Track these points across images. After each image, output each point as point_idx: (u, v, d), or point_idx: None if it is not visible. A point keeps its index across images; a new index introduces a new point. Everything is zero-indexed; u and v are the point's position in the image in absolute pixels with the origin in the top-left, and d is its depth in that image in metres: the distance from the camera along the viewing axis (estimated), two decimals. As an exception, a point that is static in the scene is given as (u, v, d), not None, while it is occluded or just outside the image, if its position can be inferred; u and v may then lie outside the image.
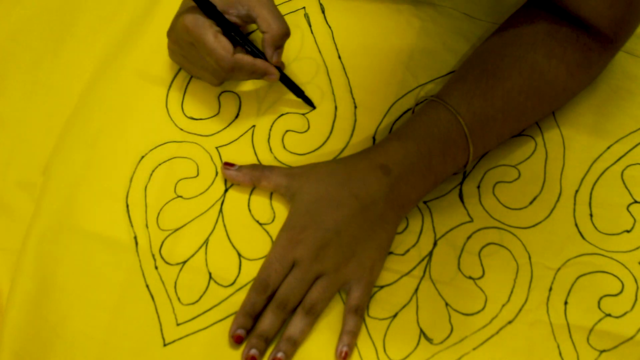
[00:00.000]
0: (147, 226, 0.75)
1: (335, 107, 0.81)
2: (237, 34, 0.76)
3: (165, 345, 0.70)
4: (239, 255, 0.74)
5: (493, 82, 0.75)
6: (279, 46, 0.76)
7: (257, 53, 0.76)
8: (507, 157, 0.79)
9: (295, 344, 0.70)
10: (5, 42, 0.85)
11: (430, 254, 0.75)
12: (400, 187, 0.73)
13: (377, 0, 0.85)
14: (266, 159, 0.78)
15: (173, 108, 0.80)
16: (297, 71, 0.82)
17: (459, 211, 0.76)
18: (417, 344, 0.71)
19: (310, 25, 0.85)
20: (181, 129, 0.79)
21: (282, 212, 0.75)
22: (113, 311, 0.71)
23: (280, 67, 0.77)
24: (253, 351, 0.69)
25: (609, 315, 0.72)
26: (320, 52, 0.83)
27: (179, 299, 0.72)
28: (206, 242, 0.74)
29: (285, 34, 0.75)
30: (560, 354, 0.71)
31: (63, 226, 0.74)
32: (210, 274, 0.73)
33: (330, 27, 0.85)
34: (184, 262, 0.73)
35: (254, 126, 0.80)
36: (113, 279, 0.72)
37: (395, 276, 0.74)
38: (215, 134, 0.79)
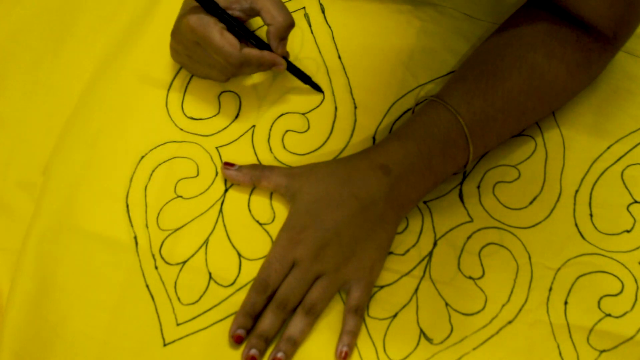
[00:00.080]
0: (147, 226, 0.75)
1: (335, 107, 0.81)
2: (241, 28, 0.76)
3: (165, 345, 0.70)
4: (239, 255, 0.74)
5: (493, 82, 0.75)
6: (283, 37, 0.76)
7: (263, 45, 0.77)
8: (507, 157, 0.79)
9: (295, 344, 0.70)
10: (5, 42, 0.85)
11: (430, 254, 0.75)
12: (400, 187, 0.73)
13: (377, 0, 0.85)
14: (266, 159, 0.78)
15: (173, 108, 0.80)
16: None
17: (459, 211, 0.76)
18: (417, 344, 0.71)
19: (310, 25, 0.85)
20: (181, 129, 0.79)
21: (282, 212, 0.75)
22: (113, 311, 0.71)
23: (286, 57, 0.78)
24: (253, 351, 0.69)
25: (609, 315, 0.72)
26: (320, 52, 0.83)
27: (179, 299, 0.72)
28: (206, 242, 0.74)
29: (290, 25, 0.75)
30: (560, 354, 0.71)
31: (63, 226, 0.74)
32: (210, 274, 0.73)
33: (330, 27, 0.85)
34: (184, 262, 0.73)
35: (254, 126, 0.80)
36: (113, 279, 0.72)
37: (395, 276, 0.74)
38: (215, 134, 0.79)
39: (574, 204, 0.77)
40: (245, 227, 0.75)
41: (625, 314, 0.72)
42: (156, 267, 0.73)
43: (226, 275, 0.73)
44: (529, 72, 0.75)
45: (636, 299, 0.73)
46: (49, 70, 0.83)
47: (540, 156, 0.79)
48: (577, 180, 0.78)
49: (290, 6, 0.85)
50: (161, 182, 0.77)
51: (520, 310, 0.72)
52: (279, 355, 0.69)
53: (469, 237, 0.75)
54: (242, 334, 0.70)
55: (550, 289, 0.73)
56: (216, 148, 0.78)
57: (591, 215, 0.76)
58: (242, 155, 0.78)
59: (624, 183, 0.78)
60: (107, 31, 0.85)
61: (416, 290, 0.73)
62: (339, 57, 0.83)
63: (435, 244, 0.75)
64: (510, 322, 0.72)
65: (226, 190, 0.77)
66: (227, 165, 0.77)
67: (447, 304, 0.73)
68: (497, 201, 0.77)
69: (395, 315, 0.72)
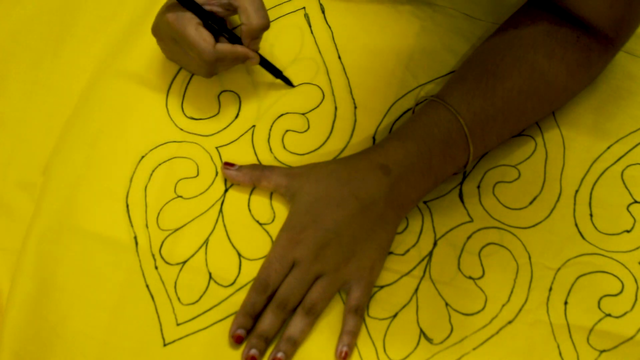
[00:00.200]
0: (147, 226, 0.75)
1: (335, 107, 0.81)
2: (215, 22, 0.76)
3: (165, 345, 0.70)
4: (239, 255, 0.74)
5: (493, 82, 0.75)
6: (255, 37, 0.76)
7: (236, 39, 0.77)
8: (507, 157, 0.79)
9: (295, 344, 0.70)
10: (5, 42, 0.85)
11: (430, 254, 0.75)
12: (400, 187, 0.73)
13: (377, 1, 0.85)
14: (266, 159, 0.78)
15: (173, 108, 0.80)
16: (297, 71, 0.82)
17: (459, 211, 0.76)
18: (417, 344, 0.71)
19: (310, 26, 0.85)
20: (181, 129, 0.79)
21: (282, 212, 0.75)
22: (113, 311, 0.71)
23: (258, 52, 0.78)
24: (253, 351, 0.69)
25: (609, 315, 0.72)
26: (320, 52, 0.83)
27: (179, 299, 0.72)
28: (206, 242, 0.74)
29: (264, 27, 0.75)
30: (560, 354, 0.71)
31: (63, 226, 0.74)
32: (210, 274, 0.73)
33: (330, 27, 0.85)
34: (184, 262, 0.73)
35: (254, 126, 0.80)
36: (113, 279, 0.72)
37: (395, 276, 0.74)
38: (215, 134, 0.79)
39: (574, 204, 0.77)
40: (245, 227, 0.75)
41: (625, 314, 0.72)
42: (156, 267, 0.73)
43: (226, 275, 0.73)
44: (529, 72, 0.75)
45: (636, 299, 0.73)
46: (49, 70, 0.83)
47: (540, 156, 0.79)
48: (577, 180, 0.78)
49: (290, 6, 0.85)
50: (161, 182, 0.77)
51: (520, 310, 0.72)
52: (279, 355, 0.69)
53: (469, 237, 0.75)
54: (242, 334, 0.70)
55: (550, 289, 0.73)
56: (216, 148, 0.78)
57: (591, 215, 0.76)
58: (242, 155, 0.78)
59: (624, 183, 0.78)
60: (107, 31, 0.85)
61: (416, 290, 0.73)
62: (339, 57, 0.83)
63: (435, 244, 0.75)
64: (510, 322, 0.72)
65: (226, 190, 0.77)
66: (227, 165, 0.77)
67: (447, 304, 0.73)
68: (497, 201, 0.77)
69: (395, 315, 0.72)
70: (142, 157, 0.78)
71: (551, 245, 0.75)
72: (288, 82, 0.81)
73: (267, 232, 0.75)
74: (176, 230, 0.75)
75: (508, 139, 0.78)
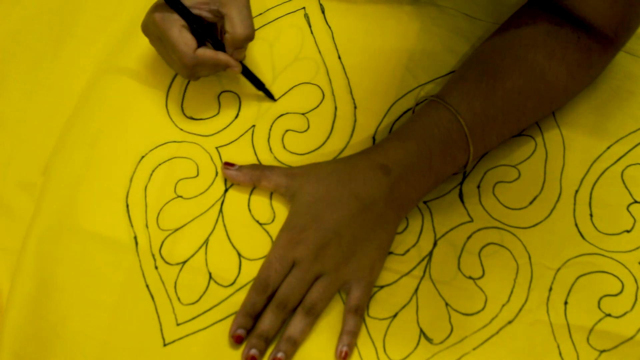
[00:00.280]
0: (147, 226, 0.75)
1: (335, 107, 0.81)
2: (200, 27, 0.75)
3: (165, 345, 0.70)
4: (239, 255, 0.74)
5: (493, 82, 0.75)
6: (239, 47, 0.76)
7: (220, 46, 0.77)
8: (507, 157, 0.79)
9: (295, 344, 0.70)
10: (5, 42, 0.85)
11: (430, 254, 0.75)
12: (400, 187, 0.73)
13: (377, 1, 0.85)
14: (266, 159, 0.78)
15: (173, 108, 0.80)
16: (297, 71, 0.82)
17: (459, 211, 0.76)
18: (417, 344, 0.71)
19: (310, 26, 0.85)
20: (181, 129, 0.79)
21: (282, 212, 0.75)
22: (113, 311, 0.71)
23: (241, 61, 0.78)
24: (253, 351, 0.69)
25: (609, 315, 0.72)
26: (320, 52, 0.83)
27: (179, 299, 0.72)
28: (206, 242, 0.74)
29: (247, 38, 0.75)
30: (560, 354, 0.71)
31: (63, 226, 0.74)
32: (210, 274, 0.73)
33: (330, 27, 0.85)
34: (184, 262, 0.73)
35: (254, 126, 0.80)
36: (113, 279, 0.72)
37: (395, 276, 0.74)
38: (215, 134, 0.79)
39: (574, 204, 0.77)
40: (245, 227, 0.75)
41: (625, 314, 0.72)
42: (156, 267, 0.73)
43: (226, 275, 0.73)
44: (529, 72, 0.75)
45: (636, 299, 0.73)
46: (49, 70, 0.83)
47: (540, 156, 0.79)
48: (577, 180, 0.78)
49: (290, 6, 0.85)
50: (161, 182, 0.77)
51: (520, 310, 0.72)
52: (279, 355, 0.69)
53: (469, 237, 0.75)
54: (242, 334, 0.70)
55: (550, 289, 0.73)
56: (216, 148, 0.79)
57: (591, 215, 0.76)
58: (242, 155, 0.78)
59: (624, 183, 0.78)
60: (107, 31, 0.85)
61: (416, 290, 0.73)
62: (339, 58, 0.83)
63: (435, 244, 0.75)
64: (510, 322, 0.72)
65: (226, 190, 0.77)
66: (227, 165, 0.77)
67: (447, 304, 0.73)
68: (497, 201, 0.77)
69: (395, 315, 0.72)
70: (142, 157, 0.78)
71: (551, 245, 0.75)
72: (270, 96, 0.80)
73: (267, 232, 0.75)
74: (176, 230, 0.75)
75: (508, 139, 0.78)
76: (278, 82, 0.81)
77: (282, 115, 0.80)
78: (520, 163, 0.78)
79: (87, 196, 0.76)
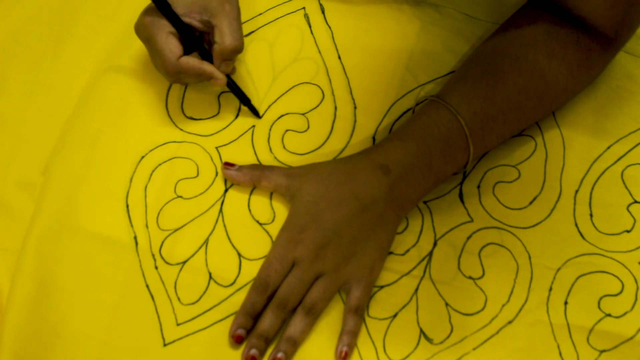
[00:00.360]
0: (147, 226, 0.75)
1: (335, 107, 0.81)
2: (189, 35, 0.75)
3: (165, 345, 0.70)
4: (239, 255, 0.74)
5: (493, 82, 0.75)
6: (227, 59, 0.76)
7: (207, 56, 0.77)
8: (507, 157, 0.79)
9: (295, 344, 0.70)
10: (5, 42, 0.85)
11: (430, 254, 0.75)
12: (400, 187, 0.73)
13: (377, 1, 0.85)
14: (266, 159, 0.78)
15: (173, 108, 0.80)
16: (297, 71, 0.82)
17: (459, 211, 0.76)
18: (417, 344, 0.71)
19: (310, 26, 0.85)
20: (181, 129, 0.79)
21: (282, 212, 0.75)
22: (113, 311, 0.71)
23: (229, 75, 0.77)
24: (253, 351, 0.69)
25: (609, 315, 0.72)
26: (320, 52, 0.83)
27: (179, 299, 0.72)
28: (206, 242, 0.74)
29: (235, 49, 0.75)
30: (560, 354, 0.71)
31: (63, 226, 0.74)
32: (210, 274, 0.73)
33: (330, 27, 0.85)
34: (184, 262, 0.73)
35: (253, 126, 0.80)
36: (113, 279, 0.72)
37: (395, 276, 0.74)
38: (215, 134, 0.79)
39: (574, 204, 0.77)
40: (245, 227, 0.75)
41: (625, 314, 0.72)
42: (156, 267, 0.73)
43: (226, 275, 0.73)
44: (529, 72, 0.75)
45: (636, 299, 0.73)
46: (49, 70, 0.83)
47: (540, 156, 0.79)
48: (577, 180, 0.78)
49: (290, 6, 0.85)
50: (161, 182, 0.77)
51: (520, 310, 0.72)
52: (279, 355, 0.69)
53: (469, 237, 0.75)
54: (242, 334, 0.70)
55: (550, 289, 0.73)
56: (216, 148, 0.79)
57: (591, 215, 0.76)
58: (242, 155, 0.78)
59: (624, 183, 0.78)
60: (107, 31, 0.85)
61: (416, 290, 0.73)
62: (339, 58, 0.83)
63: (435, 244, 0.75)
64: (510, 322, 0.72)
65: (226, 190, 0.77)
66: (227, 165, 0.77)
67: (447, 304, 0.73)
68: (497, 201, 0.77)
69: (395, 315, 0.72)
70: (142, 157, 0.78)
71: (551, 245, 0.75)
72: (255, 112, 0.80)
73: (267, 232, 0.75)
74: (176, 230, 0.75)
75: (508, 139, 0.78)
76: (278, 82, 0.81)
77: (282, 115, 0.80)
78: (520, 163, 0.78)
79: (87, 196, 0.76)
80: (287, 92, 0.81)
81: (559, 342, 0.71)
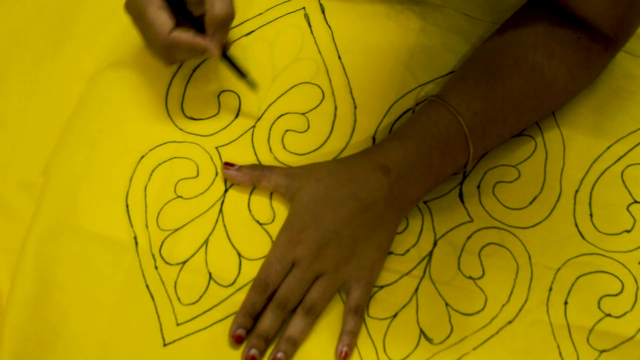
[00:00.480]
0: (147, 226, 0.75)
1: (335, 107, 0.81)
2: (180, 8, 0.73)
3: (165, 345, 0.70)
4: (239, 255, 0.74)
5: (493, 82, 0.75)
6: (220, 27, 0.73)
7: (202, 30, 0.74)
8: (507, 157, 0.79)
9: (295, 344, 0.70)
10: (5, 42, 0.85)
11: (430, 254, 0.75)
12: (400, 187, 0.73)
13: (377, 1, 0.85)
14: (266, 159, 0.78)
15: (173, 108, 0.80)
16: (297, 71, 0.82)
17: (459, 211, 0.76)
18: (417, 344, 0.71)
19: (310, 26, 0.85)
20: (181, 129, 0.79)
21: (282, 212, 0.75)
22: (113, 311, 0.71)
23: (225, 47, 0.76)
24: (253, 351, 0.69)
25: (609, 315, 0.72)
26: (320, 52, 0.83)
27: (179, 299, 0.72)
28: (206, 242, 0.74)
29: (226, 16, 0.72)
30: (560, 354, 0.71)
31: (63, 226, 0.74)
32: (210, 274, 0.73)
33: (330, 27, 0.85)
34: (184, 262, 0.73)
35: (253, 126, 0.80)
36: (113, 279, 0.72)
37: (395, 276, 0.74)
38: (215, 134, 0.79)
39: (574, 204, 0.77)
40: (245, 227, 0.75)
41: (625, 314, 0.72)
42: (156, 267, 0.73)
43: (226, 275, 0.73)
44: (529, 72, 0.75)
45: (636, 299, 0.73)
46: (49, 70, 0.83)
47: (540, 156, 0.79)
48: (577, 180, 0.78)
49: (290, 6, 0.85)
50: (161, 182, 0.77)
51: (520, 310, 0.72)
52: (279, 355, 0.69)
53: (469, 237, 0.75)
54: (242, 334, 0.70)
55: (550, 289, 0.73)
56: (216, 148, 0.79)
57: (591, 215, 0.76)
58: (242, 155, 0.78)
59: (624, 183, 0.78)
60: (107, 31, 0.85)
61: (416, 290, 0.73)
62: (339, 57, 0.83)
63: (435, 244, 0.75)
64: (510, 322, 0.72)
65: (226, 190, 0.77)
66: (227, 165, 0.77)
67: (447, 304, 0.73)
68: (497, 201, 0.77)
69: (395, 315, 0.72)
70: (142, 157, 0.78)
71: (551, 245, 0.75)
72: (251, 85, 0.78)
73: (267, 232, 0.75)
74: (176, 230, 0.75)
75: (508, 139, 0.78)
76: (278, 82, 0.81)
77: (282, 115, 0.80)
78: (520, 163, 0.78)
79: (87, 196, 0.76)
80: (287, 92, 0.81)
81: (559, 342, 0.71)
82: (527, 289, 0.73)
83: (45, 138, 0.80)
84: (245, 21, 0.84)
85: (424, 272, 0.74)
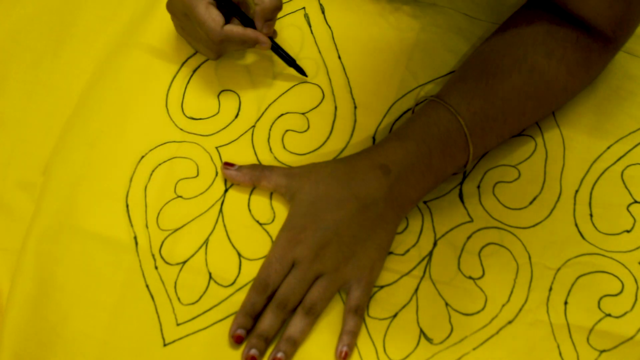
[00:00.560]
0: (147, 226, 0.75)
1: (335, 107, 0.81)
2: (228, 3, 0.76)
3: (165, 345, 0.70)
4: (239, 255, 0.74)
5: (493, 82, 0.75)
6: (269, 19, 0.77)
7: (248, 23, 0.78)
8: (507, 157, 0.79)
9: (295, 344, 0.70)
10: (5, 42, 0.85)
11: (430, 254, 0.75)
12: (400, 186, 0.73)
13: (377, 0, 0.85)
14: (266, 159, 0.78)
15: (173, 108, 0.80)
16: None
17: (459, 211, 0.76)
18: (417, 344, 0.71)
19: (310, 26, 0.85)
20: (181, 129, 0.79)
21: (282, 212, 0.75)
22: (113, 311, 0.71)
23: (272, 37, 0.78)
24: (253, 351, 0.69)
25: (609, 315, 0.72)
26: (320, 52, 0.83)
27: (179, 299, 0.72)
28: (206, 242, 0.74)
29: (276, 7, 0.76)
30: (560, 354, 0.71)
31: (63, 226, 0.74)
32: (210, 274, 0.73)
33: (330, 27, 0.85)
34: (184, 262, 0.73)
35: (253, 126, 0.80)
36: (113, 279, 0.72)
37: (395, 276, 0.74)
38: (215, 134, 0.79)
39: (574, 204, 0.77)
40: (245, 227, 0.75)
41: (625, 314, 0.72)
42: (156, 267, 0.73)
43: (226, 275, 0.73)
44: (529, 72, 0.75)
45: (636, 299, 0.73)
46: (49, 70, 0.83)
47: (540, 156, 0.79)
48: (577, 180, 0.78)
49: (290, 6, 0.85)
50: (161, 182, 0.77)
51: (520, 310, 0.72)
52: (279, 355, 0.69)
53: (469, 237, 0.75)
54: (242, 334, 0.70)
55: (550, 289, 0.73)
56: (216, 148, 0.79)
57: (591, 215, 0.76)
58: (242, 155, 0.78)
59: (624, 183, 0.78)
60: (107, 31, 0.85)
61: (416, 290, 0.73)
62: (339, 57, 0.83)
63: (435, 244, 0.75)
64: (510, 322, 0.72)
65: (226, 190, 0.77)
66: (227, 165, 0.77)
67: (447, 304, 0.73)
68: (497, 201, 0.77)
69: (395, 315, 0.72)
70: (142, 157, 0.78)
71: (551, 245, 0.75)
72: (301, 72, 0.81)
73: (267, 232, 0.75)
74: (176, 230, 0.75)
75: (508, 139, 0.78)
76: (278, 82, 0.81)
77: (282, 115, 0.80)
78: (520, 163, 0.78)
79: (87, 196, 0.76)
80: (287, 91, 0.81)
81: (559, 342, 0.71)
82: (527, 289, 0.73)
83: (45, 138, 0.80)
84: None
85: (424, 272, 0.74)
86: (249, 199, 0.76)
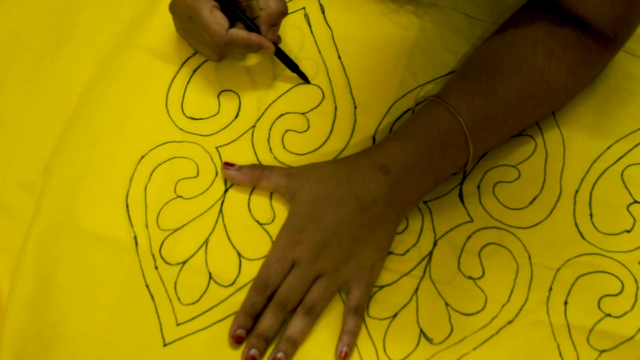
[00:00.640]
0: (147, 226, 0.75)
1: (335, 107, 0.81)
2: (233, 7, 0.76)
3: (165, 345, 0.70)
4: (239, 255, 0.74)
5: (493, 82, 0.75)
6: (274, 24, 0.77)
7: (253, 27, 0.78)
8: (507, 157, 0.79)
9: (295, 344, 0.70)
10: (5, 42, 0.85)
11: (430, 254, 0.75)
12: (400, 186, 0.73)
13: (377, 0, 0.85)
14: (266, 159, 0.78)
15: (173, 108, 0.80)
16: (297, 71, 0.82)
17: (459, 211, 0.76)
18: (417, 344, 0.71)
19: (310, 26, 0.85)
20: (181, 129, 0.79)
21: (282, 212, 0.75)
22: (113, 311, 0.71)
23: (276, 43, 0.78)
24: (253, 351, 0.69)
25: (609, 315, 0.72)
26: (320, 52, 0.83)
27: (179, 299, 0.72)
28: (206, 242, 0.74)
29: (282, 12, 0.77)
30: (560, 354, 0.71)
31: (63, 226, 0.74)
32: (210, 274, 0.73)
33: (330, 27, 0.85)
34: (184, 262, 0.73)
35: (254, 126, 0.80)
36: (113, 279, 0.72)
37: (395, 276, 0.74)
38: (215, 134, 0.79)
39: (574, 204, 0.77)
40: (245, 227, 0.75)
41: (625, 314, 0.72)
42: (156, 267, 0.73)
43: (226, 275, 0.73)
44: (529, 72, 0.75)
45: (636, 299, 0.73)
46: (49, 70, 0.83)
47: (540, 156, 0.79)
48: (577, 180, 0.78)
49: (290, 6, 0.85)
50: (161, 182, 0.77)
51: (520, 310, 0.72)
52: (279, 355, 0.69)
53: (469, 237, 0.75)
54: (242, 334, 0.70)
55: (550, 289, 0.73)
56: (216, 148, 0.79)
57: (591, 215, 0.76)
58: (242, 155, 0.78)
59: (624, 183, 0.78)
60: (107, 31, 0.85)
61: (416, 290, 0.73)
62: (339, 57, 0.83)
63: (435, 244, 0.75)
64: (510, 322, 0.72)
65: (226, 190, 0.77)
66: (227, 165, 0.77)
67: (447, 304, 0.73)
68: (497, 201, 0.77)
69: (395, 315, 0.72)
70: (142, 157, 0.78)
71: (551, 245, 0.75)
72: (304, 77, 0.81)
73: (267, 232, 0.75)
74: (176, 230, 0.75)
75: (508, 139, 0.78)
76: (278, 82, 0.81)
77: (282, 115, 0.80)
78: (520, 163, 0.78)
79: (87, 196, 0.76)
80: (287, 91, 0.81)
81: (559, 342, 0.71)
82: (527, 289, 0.73)
83: (45, 138, 0.80)
84: (245, 21, 0.84)
85: (424, 272, 0.74)
86: (249, 199, 0.76)
